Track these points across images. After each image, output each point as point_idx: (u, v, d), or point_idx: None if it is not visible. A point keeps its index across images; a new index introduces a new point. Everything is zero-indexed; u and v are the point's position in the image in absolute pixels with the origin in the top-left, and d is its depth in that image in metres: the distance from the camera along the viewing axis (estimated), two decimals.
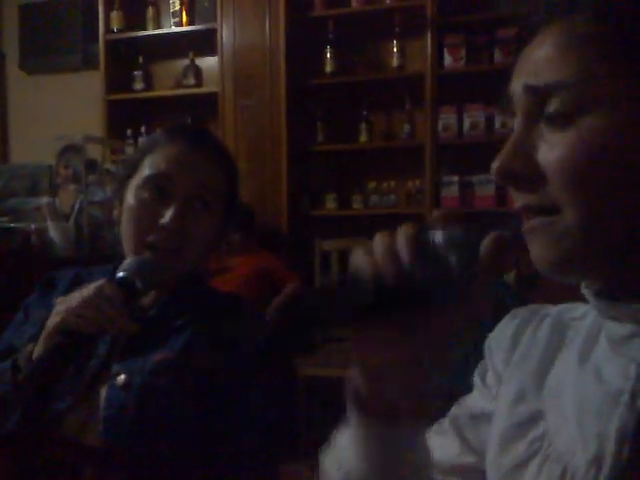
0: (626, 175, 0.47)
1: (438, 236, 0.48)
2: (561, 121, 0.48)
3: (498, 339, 0.66)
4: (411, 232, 0.50)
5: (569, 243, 0.49)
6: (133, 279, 0.91)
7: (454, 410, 0.68)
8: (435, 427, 0.67)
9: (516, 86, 0.52)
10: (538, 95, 0.50)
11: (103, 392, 0.94)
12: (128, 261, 0.94)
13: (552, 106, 0.49)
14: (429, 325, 0.49)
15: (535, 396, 0.59)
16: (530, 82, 0.50)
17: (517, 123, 0.52)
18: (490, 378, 0.66)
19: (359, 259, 0.52)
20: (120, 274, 0.92)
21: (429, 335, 0.50)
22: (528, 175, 0.50)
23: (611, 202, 0.48)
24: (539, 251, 0.51)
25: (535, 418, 0.57)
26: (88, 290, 0.89)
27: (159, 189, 0.95)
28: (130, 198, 0.97)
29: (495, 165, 0.51)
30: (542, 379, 0.59)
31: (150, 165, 0.97)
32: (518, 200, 0.52)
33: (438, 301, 0.48)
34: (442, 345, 0.51)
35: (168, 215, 0.93)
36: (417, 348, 0.50)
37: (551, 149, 0.49)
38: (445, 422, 0.67)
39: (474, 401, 0.67)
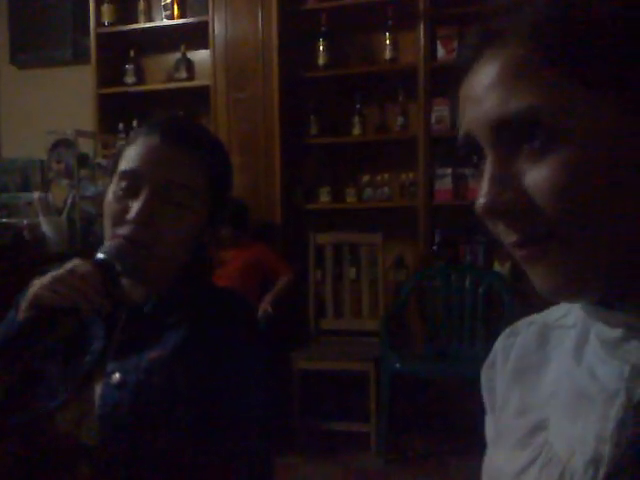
0: (618, 189, 0.47)
1: None
2: (538, 143, 0.47)
3: (492, 362, 0.67)
4: None
5: (574, 265, 0.48)
6: (112, 261, 0.91)
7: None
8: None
9: (475, 123, 0.51)
10: (508, 129, 0.48)
11: (98, 390, 0.93)
12: (108, 244, 0.93)
13: (533, 141, 0.47)
14: None
15: (534, 405, 0.59)
16: (495, 117, 0.49)
17: (490, 159, 0.50)
18: (495, 404, 0.66)
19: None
20: (99, 255, 0.92)
21: None
22: (520, 205, 0.48)
23: (607, 217, 0.47)
24: (545, 280, 0.50)
25: (538, 428, 0.57)
26: (64, 267, 0.89)
27: (130, 184, 0.95)
28: (108, 192, 0.98)
29: (481, 203, 0.49)
30: (538, 386, 0.60)
31: (125, 160, 0.97)
32: (508, 236, 0.50)
33: None
34: None
35: (133, 209, 0.93)
36: None
37: (538, 172, 0.48)
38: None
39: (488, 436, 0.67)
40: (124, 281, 1.00)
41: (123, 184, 0.95)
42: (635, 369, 0.50)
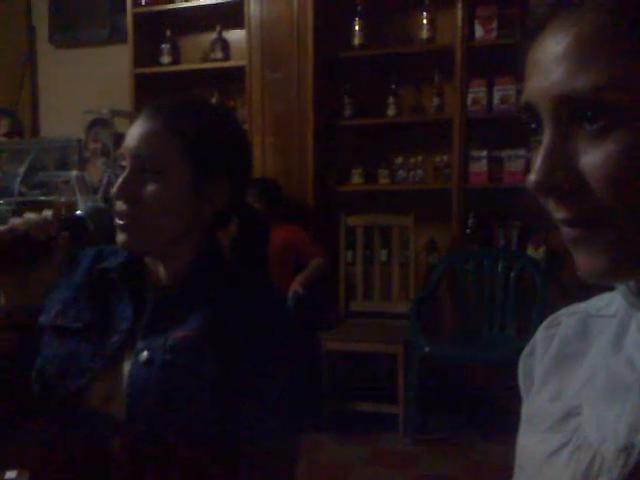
0: None
1: None
2: (599, 123, 0.46)
3: (531, 351, 0.67)
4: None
5: (620, 250, 0.48)
6: (85, 219, 0.98)
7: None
8: None
9: (538, 92, 0.49)
10: (570, 104, 0.47)
11: (127, 368, 0.96)
12: (90, 205, 0.98)
13: (594, 123, 0.46)
14: None
15: (570, 392, 0.59)
16: (558, 93, 0.47)
17: (546, 133, 0.49)
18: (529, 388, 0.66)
19: None
20: (77, 212, 0.99)
21: None
22: (572, 186, 0.48)
23: None
24: (588, 262, 0.50)
25: (571, 414, 0.57)
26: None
27: (123, 163, 1.00)
28: None
29: (533, 179, 0.48)
30: (576, 374, 0.59)
31: None
32: (557, 212, 0.50)
33: None
34: None
35: (116, 184, 0.98)
36: None
37: (591, 154, 0.47)
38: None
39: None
40: (150, 264, 1.04)
41: (122, 163, 1.00)
42: None
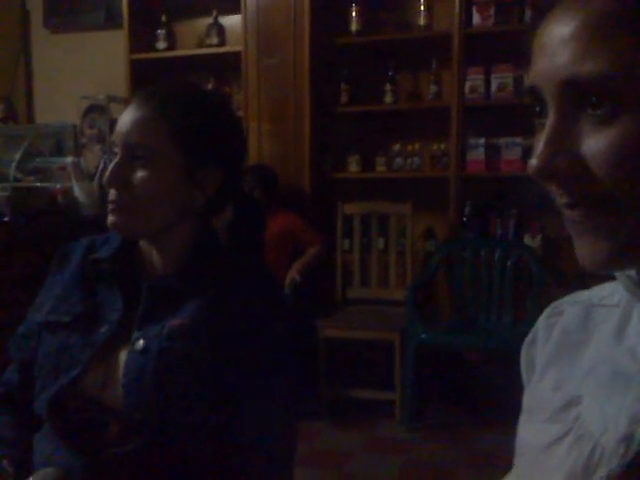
0: None
1: None
2: (603, 109, 0.46)
3: (533, 339, 0.67)
4: None
5: (621, 237, 0.48)
6: None
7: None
8: None
9: (544, 76, 0.49)
10: (575, 89, 0.47)
11: (123, 357, 0.95)
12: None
13: (598, 109, 0.46)
14: None
15: (572, 382, 0.59)
16: (564, 77, 0.47)
17: (550, 117, 0.49)
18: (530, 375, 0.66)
19: None
20: None
21: None
22: (573, 172, 0.47)
23: None
24: (589, 249, 0.49)
25: (571, 403, 0.57)
26: None
27: (115, 150, 1.00)
28: None
29: (535, 163, 0.48)
30: (577, 362, 0.59)
31: None
32: (560, 197, 0.50)
33: None
34: None
35: (107, 172, 0.98)
36: None
37: (594, 139, 0.46)
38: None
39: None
40: (145, 254, 1.03)
41: (115, 149, 1.00)
42: None
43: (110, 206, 0.98)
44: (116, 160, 0.97)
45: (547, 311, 0.66)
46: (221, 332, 0.93)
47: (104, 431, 0.92)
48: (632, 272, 0.53)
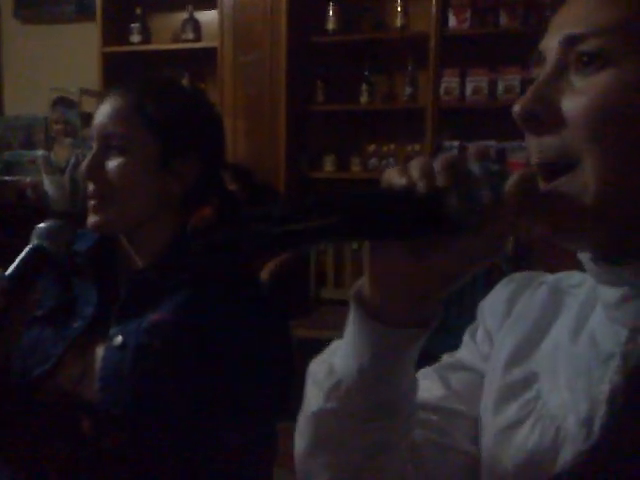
0: None
1: (474, 167, 0.48)
2: (591, 67, 0.48)
3: (492, 303, 0.67)
4: (450, 157, 0.49)
5: (585, 200, 0.49)
6: (42, 244, 0.93)
7: (439, 362, 0.69)
8: (419, 373, 0.67)
9: (550, 41, 0.52)
10: (572, 42, 0.50)
11: (100, 352, 0.94)
12: (39, 226, 0.95)
13: (585, 48, 0.49)
14: (447, 248, 0.49)
15: (529, 359, 0.60)
16: (568, 32, 0.50)
17: (544, 71, 0.52)
18: (480, 336, 0.67)
19: (392, 174, 0.50)
20: (34, 242, 0.93)
21: (445, 258, 0.50)
22: (549, 118, 0.50)
23: (629, 157, 0.48)
24: (553, 216, 0.51)
25: (529, 380, 0.58)
26: None
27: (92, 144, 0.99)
28: None
29: (517, 106, 0.51)
30: (537, 343, 0.60)
31: None
32: (535, 148, 0.52)
33: (462, 227, 0.48)
34: (454, 271, 0.51)
35: (84, 165, 0.97)
36: (431, 266, 0.50)
37: (577, 96, 0.49)
38: (429, 369, 0.68)
39: (460, 354, 0.68)
40: (124, 248, 1.02)
41: (92, 143, 1.00)
42: (632, 333, 0.51)
43: (90, 202, 0.97)
44: (91, 152, 0.97)
45: (506, 283, 0.67)
46: (200, 327, 0.92)
47: (78, 427, 0.91)
48: (595, 252, 0.53)
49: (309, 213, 0.47)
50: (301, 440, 0.58)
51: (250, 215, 0.48)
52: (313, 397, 0.57)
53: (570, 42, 0.50)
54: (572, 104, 0.49)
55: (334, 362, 0.56)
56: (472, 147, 0.51)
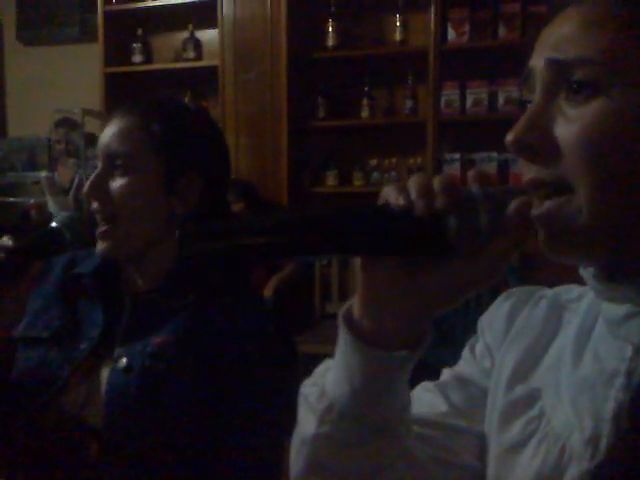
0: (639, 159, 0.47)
1: (474, 189, 0.48)
2: (581, 95, 0.48)
3: (492, 318, 0.66)
4: (450, 178, 0.49)
5: (579, 223, 0.49)
6: (61, 230, 0.98)
7: (440, 378, 0.68)
8: (420, 387, 0.67)
9: (537, 61, 0.52)
10: (560, 69, 0.50)
11: (105, 374, 0.94)
12: (65, 214, 0.96)
13: (574, 76, 0.49)
14: (441, 269, 0.49)
15: (531, 375, 0.59)
16: (552, 56, 0.50)
17: (536, 96, 0.52)
18: (480, 351, 0.66)
19: (391, 192, 0.49)
20: (53, 224, 0.98)
21: (437, 279, 0.49)
22: (543, 148, 0.50)
23: (623, 184, 0.48)
24: (549, 236, 0.51)
25: (532, 397, 0.58)
26: None
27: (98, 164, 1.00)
28: None
29: (510, 136, 0.51)
30: (538, 359, 0.60)
31: None
32: (529, 173, 0.51)
33: (459, 250, 0.47)
34: (445, 293, 0.50)
35: (87, 184, 0.98)
36: (424, 286, 0.50)
37: (569, 124, 0.49)
38: (430, 384, 0.67)
39: (460, 368, 0.67)
40: (128, 270, 1.02)
41: (97, 163, 1.00)
42: (637, 349, 0.51)
43: (98, 230, 0.97)
44: (96, 172, 0.98)
45: (505, 298, 0.66)
46: (205, 350, 0.92)
47: (83, 451, 0.90)
48: (596, 269, 0.53)
49: (291, 227, 0.47)
50: (296, 463, 0.57)
51: (241, 224, 0.49)
52: (306, 421, 0.56)
53: (557, 69, 0.50)
54: (566, 133, 0.49)
55: (325, 385, 0.55)
56: (472, 170, 0.51)
